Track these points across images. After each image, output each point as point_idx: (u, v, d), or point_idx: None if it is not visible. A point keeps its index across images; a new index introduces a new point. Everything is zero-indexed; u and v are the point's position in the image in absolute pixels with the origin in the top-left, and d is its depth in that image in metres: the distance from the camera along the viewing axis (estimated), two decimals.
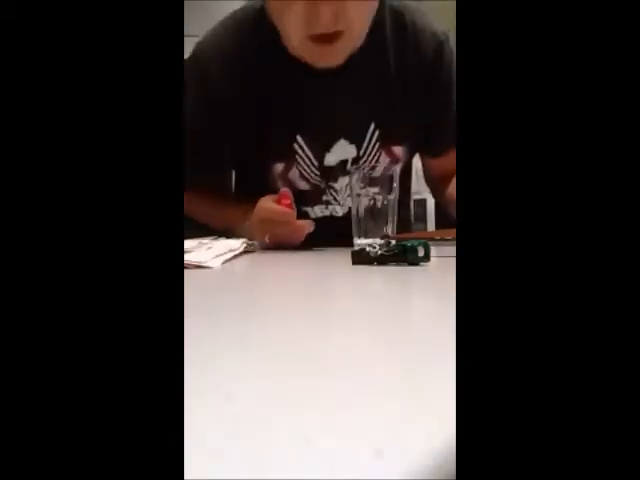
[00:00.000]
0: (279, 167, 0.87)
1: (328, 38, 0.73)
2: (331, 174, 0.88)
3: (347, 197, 0.86)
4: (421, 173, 1.03)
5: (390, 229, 0.82)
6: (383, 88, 0.84)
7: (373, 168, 0.83)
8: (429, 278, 0.54)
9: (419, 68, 0.85)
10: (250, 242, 0.87)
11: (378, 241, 0.72)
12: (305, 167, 0.87)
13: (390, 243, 0.61)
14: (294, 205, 0.79)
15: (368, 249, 0.60)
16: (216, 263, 0.64)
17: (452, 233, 0.70)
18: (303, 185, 0.88)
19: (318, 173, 0.87)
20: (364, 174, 0.81)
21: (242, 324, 0.31)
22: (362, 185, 0.81)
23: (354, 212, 0.84)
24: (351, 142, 0.86)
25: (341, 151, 0.86)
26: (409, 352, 0.22)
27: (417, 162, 1.03)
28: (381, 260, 0.59)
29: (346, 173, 0.86)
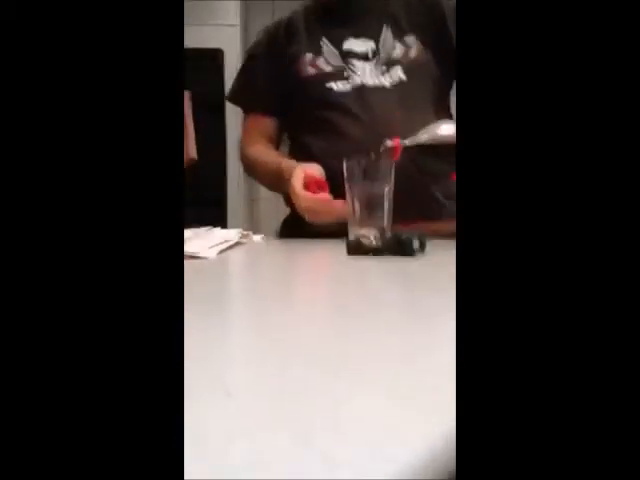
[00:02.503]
0: (309, 56, 1.08)
1: None
2: (351, 56, 1.05)
3: (372, 76, 1.03)
4: None
5: (386, 220, 0.82)
6: (388, 5, 1.09)
7: (389, 56, 1.03)
8: (424, 269, 0.54)
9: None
10: (245, 232, 0.87)
11: (374, 232, 0.72)
12: (329, 55, 1.07)
13: (385, 233, 0.61)
14: (325, 184, 0.91)
15: (363, 240, 0.60)
16: (212, 253, 0.64)
17: (444, 228, 0.70)
18: (328, 68, 1.06)
19: (339, 57, 1.06)
20: (366, 164, 0.82)
21: (239, 313, 0.31)
22: (360, 176, 0.82)
23: (349, 202, 0.84)
24: (369, 38, 1.06)
25: (362, 44, 1.06)
26: (407, 340, 0.22)
27: None
28: (376, 251, 0.59)
29: (366, 59, 1.05)
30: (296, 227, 1.05)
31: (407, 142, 0.87)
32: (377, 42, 1.06)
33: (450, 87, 1.11)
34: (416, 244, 0.58)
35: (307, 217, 0.92)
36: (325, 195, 0.90)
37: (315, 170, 0.95)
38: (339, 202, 0.88)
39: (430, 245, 0.61)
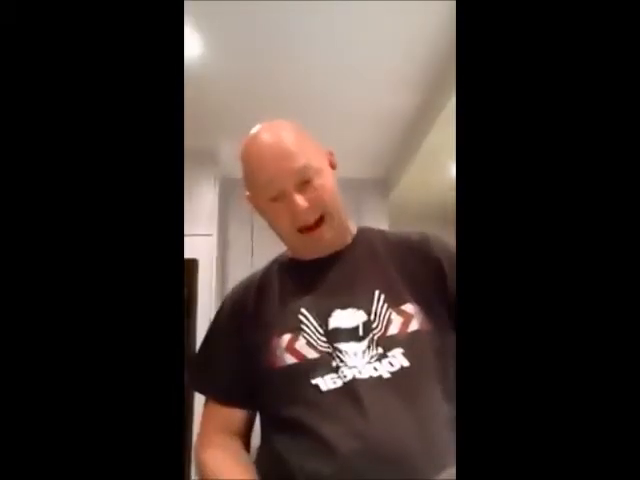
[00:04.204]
0: (286, 338, 0.82)
1: (313, 227, 0.85)
2: (338, 336, 0.81)
3: (366, 364, 0.78)
4: None
5: None
6: (378, 264, 0.89)
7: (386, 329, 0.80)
8: None
9: (409, 250, 0.91)
10: None
11: None
12: (312, 335, 0.82)
13: None
14: None
15: None
16: None
17: None
18: (313, 355, 0.80)
19: (325, 339, 0.81)
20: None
21: None
22: None
23: None
24: (359, 309, 0.82)
25: (350, 317, 0.82)
26: None
27: None
28: None
29: (357, 338, 0.80)
30: None
31: None
32: (369, 313, 0.81)
33: (453, 356, 0.81)
34: None
35: None
36: None
37: None
38: None
39: None
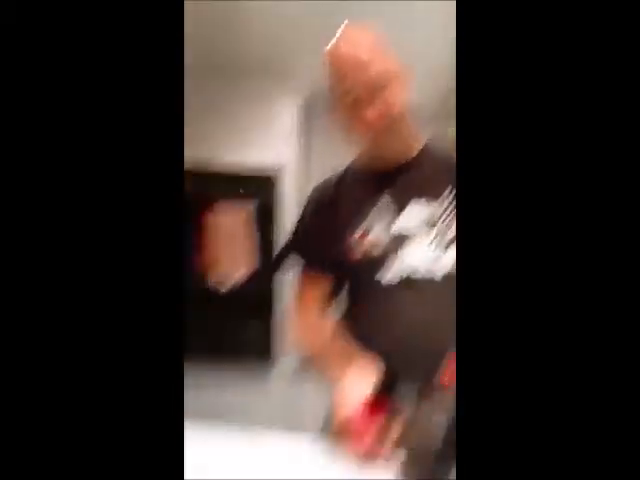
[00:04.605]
0: (358, 233, 0.93)
1: (384, 135, 0.90)
2: (403, 239, 0.92)
3: (422, 263, 0.90)
4: None
5: None
6: (444, 173, 0.95)
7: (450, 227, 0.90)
8: None
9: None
10: None
11: None
12: (380, 231, 0.92)
13: None
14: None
15: None
16: None
17: None
18: (377, 251, 0.92)
19: (391, 238, 0.92)
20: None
21: None
22: None
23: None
24: (432, 200, 0.92)
25: (417, 214, 0.92)
26: None
27: None
28: None
29: (423, 232, 0.91)
30: None
31: None
32: (434, 213, 0.92)
33: None
34: None
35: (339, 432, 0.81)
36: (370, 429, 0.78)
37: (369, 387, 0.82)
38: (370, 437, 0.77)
39: None
